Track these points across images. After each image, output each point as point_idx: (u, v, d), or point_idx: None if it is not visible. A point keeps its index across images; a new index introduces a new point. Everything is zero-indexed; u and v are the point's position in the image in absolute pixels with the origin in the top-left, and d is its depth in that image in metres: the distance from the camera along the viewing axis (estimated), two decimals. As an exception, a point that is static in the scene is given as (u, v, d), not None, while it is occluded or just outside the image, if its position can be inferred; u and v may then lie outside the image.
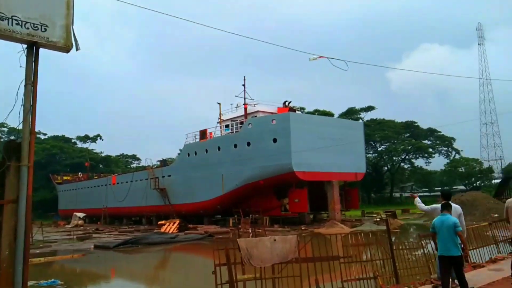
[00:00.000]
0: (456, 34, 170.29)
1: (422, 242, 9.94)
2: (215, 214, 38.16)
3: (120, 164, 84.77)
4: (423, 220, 35.36)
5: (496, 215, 29.41)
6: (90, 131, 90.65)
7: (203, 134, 38.78)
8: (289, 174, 31.15)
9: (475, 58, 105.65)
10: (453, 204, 7.61)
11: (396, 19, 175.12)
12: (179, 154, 42.30)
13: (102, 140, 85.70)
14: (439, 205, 7.99)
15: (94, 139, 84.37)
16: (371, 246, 9.08)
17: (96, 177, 58.64)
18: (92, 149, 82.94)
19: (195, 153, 38.42)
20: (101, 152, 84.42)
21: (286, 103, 37.12)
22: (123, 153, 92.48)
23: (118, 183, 49.26)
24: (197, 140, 39.17)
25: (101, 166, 78.49)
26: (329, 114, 58.92)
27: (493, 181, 66.59)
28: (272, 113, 35.85)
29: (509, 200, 8.17)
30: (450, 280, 7.14)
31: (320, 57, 10.68)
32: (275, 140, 32.01)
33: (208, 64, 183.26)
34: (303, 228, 29.78)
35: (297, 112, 38.58)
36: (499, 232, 12.40)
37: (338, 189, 34.79)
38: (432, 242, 9.15)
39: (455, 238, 6.76)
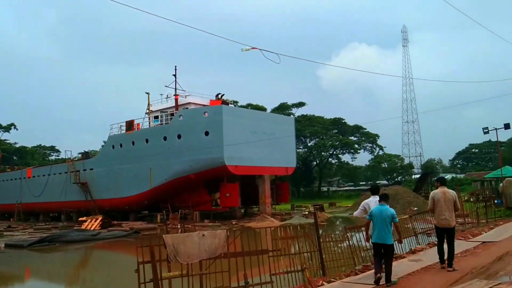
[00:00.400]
0: (383, 35, 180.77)
1: (348, 234, 10.34)
2: (142, 209, 37.06)
3: (37, 156, 79.07)
4: (348, 213, 37.14)
5: (415, 208, 31.66)
6: (2, 119, 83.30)
7: (129, 125, 37.27)
8: (220, 168, 31.05)
9: (400, 59, 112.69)
10: (376, 199, 8.16)
11: (327, 18, 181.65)
12: (103, 146, 40.28)
13: (17, 129, 79.35)
14: (367, 200, 8.73)
15: (7, 128, 77.79)
16: (299, 239, 9.25)
17: (9, 170, 54.11)
18: (4, 140, 76.51)
19: (121, 145, 36.95)
20: (15, 143, 78.22)
21: (219, 96, 36.88)
22: (40, 144, 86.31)
23: (34, 176, 45.84)
24: (123, 131, 37.62)
25: (15, 158, 72.73)
26: (262, 109, 59.64)
27: (413, 176, 71.80)
28: (204, 105, 35.44)
29: (434, 191, 8.73)
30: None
31: (253, 48, 10.68)
32: (207, 133, 31.71)
33: (139, 52, 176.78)
34: (234, 223, 29.90)
35: (230, 105, 38.50)
36: (418, 224, 13.30)
37: (269, 183, 35.37)
38: (360, 233, 9.56)
39: (389, 228, 7.30)
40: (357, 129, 71.67)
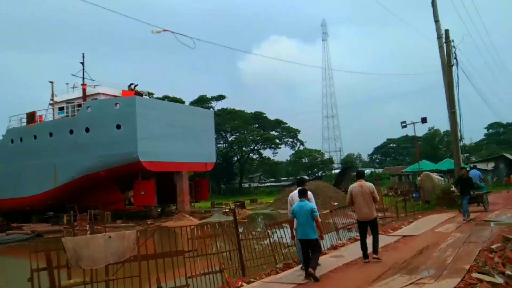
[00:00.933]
0: (303, 28, 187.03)
1: (269, 231, 10.35)
2: (46, 210, 34.49)
3: None
4: (270, 209, 37.80)
5: (336, 203, 32.99)
6: None
7: (31, 117, 34.65)
8: (134, 164, 29.84)
9: (320, 53, 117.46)
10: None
11: (247, 10, 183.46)
12: (0, 141, 36.90)
13: None
14: (291, 194, 8.83)
15: None
16: (218, 238, 9.05)
17: None
18: None
19: (21, 140, 34.26)
20: None
21: (132, 86, 35.42)
22: None
23: None
24: (24, 124, 34.89)
25: None
26: (180, 102, 58.43)
27: (333, 171, 75.04)
28: (116, 96, 33.81)
29: (352, 185, 9.06)
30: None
31: (164, 30, 10.16)
32: (118, 127, 30.29)
33: (40, 38, 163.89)
34: (149, 223, 28.93)
35: (144, 96, 37.15)
36: (339, 219, 13.75)
37: (187, 180, 34.77)
38: (281, 229, 9.57)
39: (312, 223, 7.47)
40: (278, 123, 73.21)
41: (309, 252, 7.58)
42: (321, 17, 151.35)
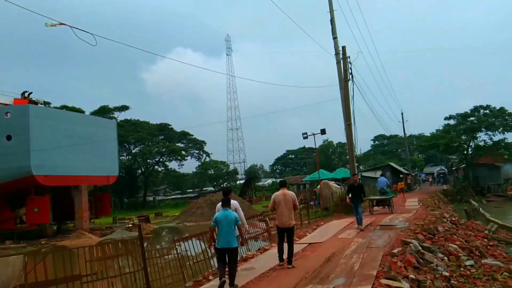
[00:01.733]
0: (208, 42, 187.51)
1: (176, 246, 9.57)
2: None
3: None
4: (175, 222, 36.45)
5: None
6: None
7: None
8: (27, 179, 26.85)
9: (224, 67, 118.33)
10: (232, 200, 8.41)
11: (151, 21, 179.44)
12: None
13: None
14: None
15: None
16: (121, 258, 8.09)
17: None
18: None
19: None
20: None
21: (26, 94, 32.10)
22: None
23: None
24: None
25: None
26: (80, 111, 54.31)
27: (237, 182, 75.38)
28: (6, 104, 30.25)
29: (276, 193, 9.24)
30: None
31: (61, 24, 8.97)
32: (9, 138, 27.24)
33: None
34: (43, 242, 26.07)
35: (39, 105, 33.78)
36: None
37: (87, 195, 32.18)
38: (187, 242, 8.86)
39: (235, 232, 7.54)
40: (184, 135, 71.67)
41: (225, 262, 7.49)
42: (226, 32, 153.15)
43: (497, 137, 42.34)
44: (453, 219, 18.98)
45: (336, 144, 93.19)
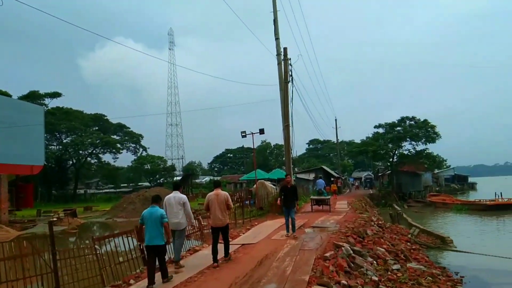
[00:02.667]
0: (151, 34, 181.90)
1: (97, 247, 8.50)
2: None
3: None
4: (105, 217, 34.39)
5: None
6: None
7: None
8: None
9: (166, 61, 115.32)
10: (179, 194, 8.72)
11: (92, 6, 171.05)
12: None
13: None
14: (167, 197, 8.79)
15: None
16: (26, 258, 6.93)
17: None
18: None
19: None
20: None
21: None
22: None
23: None
24: None
25: None
26: (6, 95, 49.76)
27: (174, 178, 73.04)
28: None
29: (209, 193, 9.19)
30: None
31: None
32: None
33: None
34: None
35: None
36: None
37: (6, 185, 29.27)
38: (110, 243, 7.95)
39: (161, 229, 7.31)
40: (120, 127, 68.42)
41: (155, 261, 7.31)
42: (169, 26, 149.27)
43: (420, 147, 44.73)
44: (380, 222, 19.33)
45: (273, 145, 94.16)
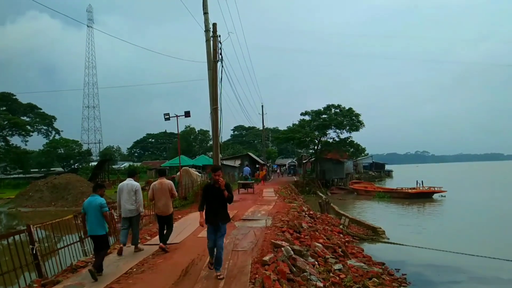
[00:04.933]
0: (69, 10, 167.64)
1: None
2: None
3: None
4: (7, 207, 30.16)
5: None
6: None
7: None
8: None
9: (84, 40, 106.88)
10: (132, 182, 8.81)
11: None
12: None
13: None
14: (120, 184, 8.90)
15: None
16: None
17: None
18: None
19: None
20: None
21: None
22: None
23: None
24: None
25: None
26: None
27: (91, 164, 67.49)
28: None
29: (154, 182, 9.32)
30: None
31: None
32: None
33: None
34: None
35: None
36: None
37: None
38: None
39: (100, 218, 7.09)
40: (31, 108, 61.60)
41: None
42: (88, 3, 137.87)
43: (344, 135, 45.21)
44: (311, 213, 18.39)
45: (198, 131, 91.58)
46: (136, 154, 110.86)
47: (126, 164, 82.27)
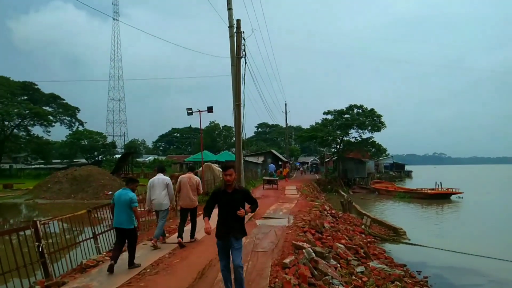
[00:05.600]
0: (95, 2, 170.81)
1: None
2: None
3: None
4: (25, 198, 30.18)
5: (110, 192, 28.38)
6: None
7: None
8: None
9: (110, 32, 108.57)
10: (163, 176, 9.07)
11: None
12: None
13: None
14: (151, 180, 9.17)
15: None
16: None
17: None
18: None
19: None
20: None
21: None
22: None
23: None
24: None
25: None
26: None
27: (115, 156, 68.11)
28: None
29: (182, 176, 9.70)
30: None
31: None
32: None
33: None
34: None
35: None
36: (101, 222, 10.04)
37: None
38: None
39: (129, 212, 7.14)
40: (54, 98, 62.59)
41: (123, 242, 7.28)
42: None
43: (366, 135, 44.69)
44: (333, 212, 18.06)
45: (222, 127, 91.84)
46: (161, 148, 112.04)
47: (151, 157, 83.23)
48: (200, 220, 12.27)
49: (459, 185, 36.72)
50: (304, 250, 8.23)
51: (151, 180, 9.11)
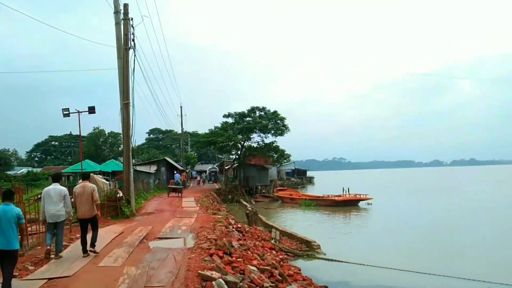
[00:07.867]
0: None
1: None
2: None
3: None
4: None
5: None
6: None
7: None
8: None
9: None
10: (59, 186, 8.92)
11: None
12: None
13: None
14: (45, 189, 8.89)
15: None
16: None
17: None
18: None
19: None
20: None
21: None
22: None
23: None
24: None
25: None
26: None
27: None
28: None
29: (76, 186, 9.47)
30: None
31: None
32: None
33: None
34: None
35: None
36: None
37: None
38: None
39: (16, 231, 6.26)
40: None
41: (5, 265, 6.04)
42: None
43: (269, 139, 44.45)
44: (238, 226, 16.71)
45: (108, 133, 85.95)
46: (36, 159, 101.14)
47: (24, 169, 74.23)
48: (74, 247, 9.99)
49: (366, 191, 37.50)
50: (214, 283, 6.66)
51: (46, 189, 8.86)
